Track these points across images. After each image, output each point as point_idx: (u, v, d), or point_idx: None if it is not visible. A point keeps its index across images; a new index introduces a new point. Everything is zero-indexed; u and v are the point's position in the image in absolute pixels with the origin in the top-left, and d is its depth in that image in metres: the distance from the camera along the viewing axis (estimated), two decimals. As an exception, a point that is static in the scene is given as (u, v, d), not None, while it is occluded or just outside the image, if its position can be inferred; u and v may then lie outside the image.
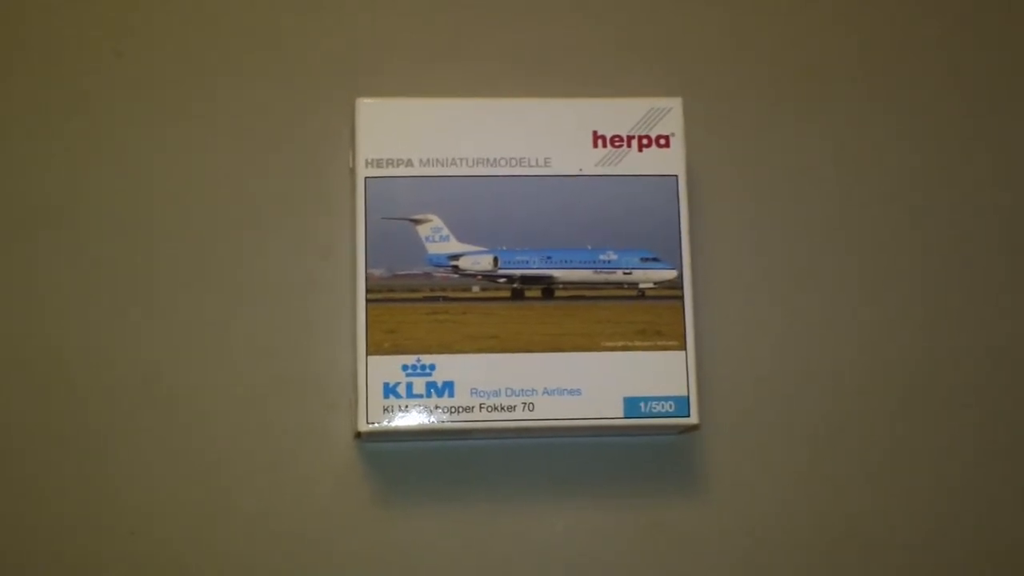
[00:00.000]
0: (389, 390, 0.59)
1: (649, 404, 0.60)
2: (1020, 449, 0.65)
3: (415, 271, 0.61)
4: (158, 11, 0.67)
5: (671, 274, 0.61)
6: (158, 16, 0.67)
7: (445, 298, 0.61)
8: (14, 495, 0.61)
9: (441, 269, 0.61)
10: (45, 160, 0.64)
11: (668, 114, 0.63)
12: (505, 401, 0.60)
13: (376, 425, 0.59)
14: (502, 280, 0.62)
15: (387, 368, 0.59)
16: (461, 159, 0.62)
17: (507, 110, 0.62)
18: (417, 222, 0.61)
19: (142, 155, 0.65)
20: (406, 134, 0.61)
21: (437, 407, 0.59)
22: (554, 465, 0.63)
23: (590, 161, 0.62)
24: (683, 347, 0.61)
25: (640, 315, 0.61)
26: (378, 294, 0.60)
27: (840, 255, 0.66)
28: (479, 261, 0.61)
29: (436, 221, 0.61)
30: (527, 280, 0.62)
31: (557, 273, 0.62)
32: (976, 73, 0.69)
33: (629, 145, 0.62)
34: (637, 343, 0.61)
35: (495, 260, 0.62)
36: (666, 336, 0.61)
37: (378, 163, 0.61)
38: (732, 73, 0.68)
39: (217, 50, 0.66)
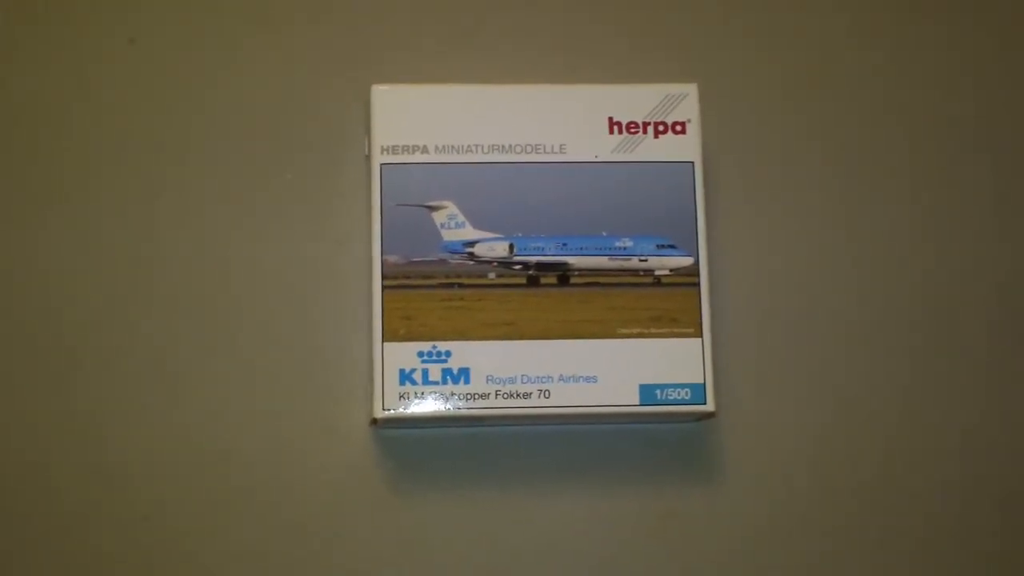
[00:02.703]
0: (405, 377, 0.59)
1: (665, 391, 0.60)
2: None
3: (430, 258, 0.61)
4: (172, -2, 0.67)
5: (687, 261, 0.61)
6: (171, 3, 0.67)
7: (460, 285, 0.61)
8: (29, 485, 0.61)
9: (456, 256, 0.61)
10: (56, 146, 0.64)
11: (684, 100, 0.62)
12: (521, 388, 0.60)
13: (392, 412, 0.59)
14: (517, 267, 0.61)
15: (403, 355, 0.59)
16: (476, 146, 0.61)
17: (523, 96, 0.62)
18: (432, 209, 0.61)
19: (154, 142, 0.65)
20: (421, 121, 0.61)
21: (453, 394, 0.59)
22: (569, 452, 0.63)
23: (606, 147, 0.62)
24: (699, 334, 0.61)
25: (656, 302, 0.61)
26: (393, 281, 0.60)
27: (857, 242, 0.66)
28: (495, 248, 0.61)
29: (451, 208, 0.61)
30: (543, 267, 0.61)
31: (573, 260, 0.62)
32: (993, 70, 0.69)
33: (645, 131, 0.62)
34: (653, 330, 0.61)
35: (511, 247, 0.61)
36: (682, 323, 0.61)
37: (393, 150, 0.61)
38: (748, 59, 0.68)
39: (231, 37, 0.66)
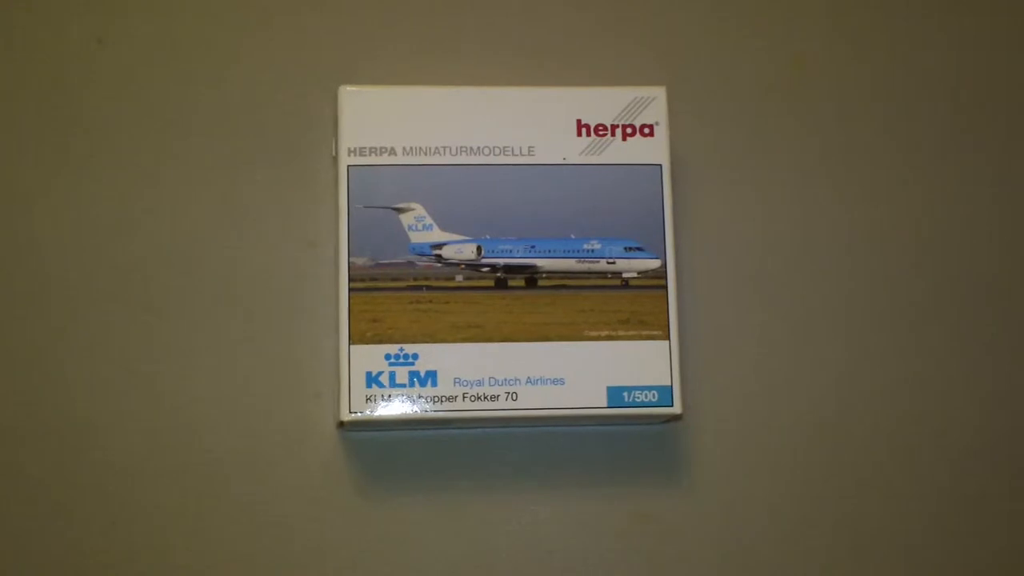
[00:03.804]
0: (372, 379, 0.59)
1: (632, 394, 0.60)
2: (1013, 442, 0.65)
3: (398, 260, 0.61)
4: (140, -3, 0.66)
5: (655, 263, 0.61)
6: (140, 2, 0.66)
7: (428, 287, 0.61)
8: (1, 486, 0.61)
9: (424, 258, 0.61)
10: (25, 149, 0.64)
11: (652, 103, 0.62)
12: (488, 390, 0.59)
13: (359, 414, 0.59)
14: (485, 269, 0.61)
15: (370, 357, 0.59)
16: (444, 148, 0.61)
17: (491, 99, 0.62)
18: (400, 211, 0.61)
19: (123, 144, 0.64)
20: (389, 122, 0.61)
21: (420, 396, 0.59)
22: (537, 455, 0.63)
23: (574, 150, 0.62)
24: (667, 337, 0.61)
25: (624, 304, 0.61)
26: (361, 283, 0.60)
27: (826, 245, 0.66)
28: (462, 250, 0.61)
29: (419, 210, 0.61)
30: (511, 269, 0.61)
31: (541, 262, 0.62)
32: (965, 70, 0.69)
33: (613, 134, 0.62)
34: (620, 333, 0.61)
35: (478, 249, 0.61)
36: (650, 326, 0.61)
37: (361, 151, 0.61)
38: (717, 62, 0.68)
39: (200, 38, 0.66)
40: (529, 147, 0.62)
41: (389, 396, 0.59)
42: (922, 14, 0.69)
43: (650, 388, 0.60)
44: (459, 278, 0.61)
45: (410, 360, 0.59)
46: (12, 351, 0.62)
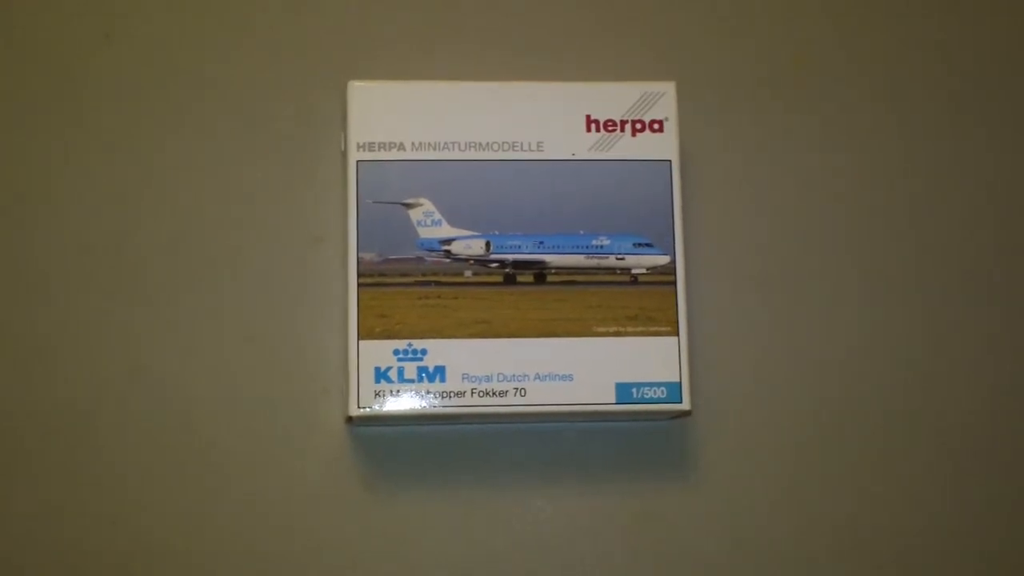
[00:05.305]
0: (380, 375, 0.59)
1: (641, 390, 0.60)
2: (1015, 438, 0.65)
3: (407, 255, 0.61)
4: (148, -8, 0.66)
5: (664, 259, 0.61)
6: (148, -3, 0.66)
7: (437, 283, 0.61)
8: (4, 482, 0.61)
9: (433, 253, 0.61)
10: (32, 144, 0.64)
11: (662, 98, 0.62)
12: (497, 386, 0.59)
13: (367, 410, 0.59)
14: (494, 265, 0.61)
15: (378, 353, 0.59)
16: (453, 143, 0.61)
17: (500, 94, 0.62)
18: (409, 206, 0.61)
19: (131, 140, 0.64)
20: (398, 117, 0.61)
21: (428, 392, 0.59)
22: (545, 450, 0.63)
23: (583, 145, 0.62)
24: (675, 333, 0.61)
25: (632, 301, 0.61)
26: (369, 279, 0.60)
27: (834, 242, 0.66)
28: (471, 246, 0.61)
29: (428, 205, 0.61)
30: (519, 265, 0.61)
31: (549, 258, 0.61)
32: (972, 62, 0.69)
33: (622, 130, 0.62)
34: (629, 329, 0.61)
35: (487, 245, 0.61)
36: (658, 322, 0.61)
37: (370, 146, 0.61)
38: (727, 57, 0.67)
39: (208, 33, 0.66)
40: (538, 142, 0.62)
41: (397, 391, 0.59)
42: (923, 14, 0.69)
43: (659, 384, 0.60)
44: (468, 274, 0.61)
45: (419, 356, 0.59)
46: (15, 348, 0.62)
